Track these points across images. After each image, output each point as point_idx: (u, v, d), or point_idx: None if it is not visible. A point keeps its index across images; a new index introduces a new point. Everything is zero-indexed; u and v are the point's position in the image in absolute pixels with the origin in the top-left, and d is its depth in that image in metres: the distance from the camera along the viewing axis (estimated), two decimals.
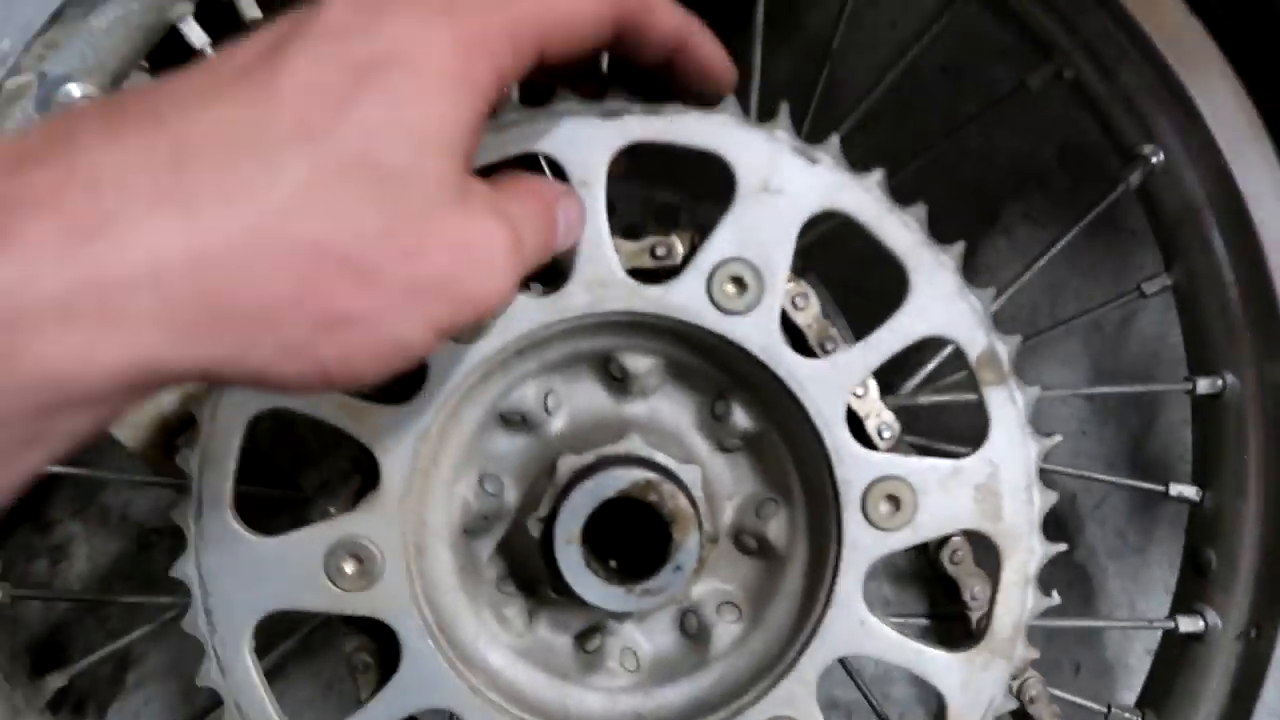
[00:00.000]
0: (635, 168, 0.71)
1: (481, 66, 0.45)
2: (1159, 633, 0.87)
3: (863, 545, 0.64)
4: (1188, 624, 0.83)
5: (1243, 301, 0.80)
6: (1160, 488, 0.86)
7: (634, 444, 0.65)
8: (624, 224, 0.71)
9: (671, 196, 1.04)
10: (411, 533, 0.65)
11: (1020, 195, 1.57)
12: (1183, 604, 0.87)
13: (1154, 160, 0.81)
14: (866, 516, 0.64)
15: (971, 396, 0.67)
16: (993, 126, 1.57)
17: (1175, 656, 0.86)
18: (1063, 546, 0.66)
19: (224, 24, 0.71)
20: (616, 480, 0.63)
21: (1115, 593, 1.27)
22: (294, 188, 0.40)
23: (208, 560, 0.63)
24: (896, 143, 0.83)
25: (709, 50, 0.58)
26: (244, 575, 0.62)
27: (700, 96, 0.61)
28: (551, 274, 0.62)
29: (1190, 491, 0.85)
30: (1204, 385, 0.82)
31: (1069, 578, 1.33)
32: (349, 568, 0.63)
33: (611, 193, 1.04)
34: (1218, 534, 0.84)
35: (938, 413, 1.35)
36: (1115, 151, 0.86)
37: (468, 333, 0.62)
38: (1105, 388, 0.91)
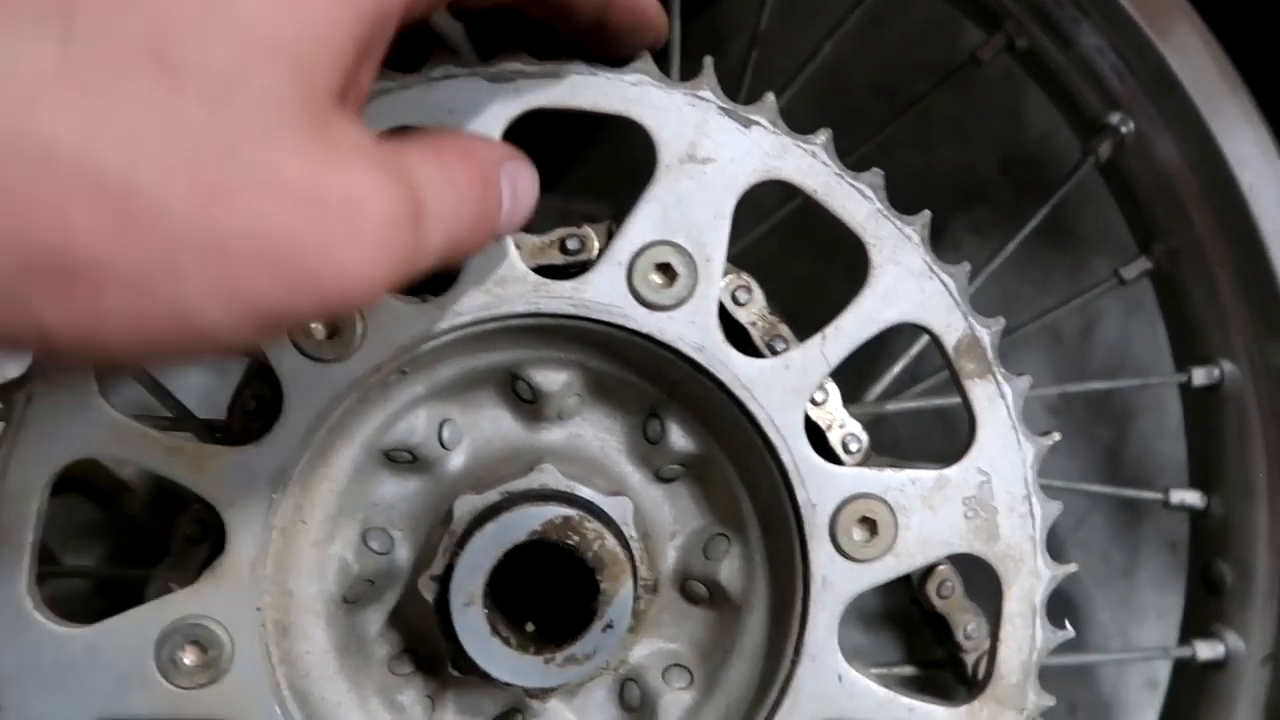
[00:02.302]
0: (551, 177, 0.61)
1: None
2: (1161, 663, 0.77)
3: (836, 581, 0.52)
4: (1206, 650, 0.73)
5: (1234, 279, 0.72)
6: (1159, 496, 0.76)
7: (548, 475, 0.53)
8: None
9: (595, 207, 0.93)
10: (271, 608, 0.51)
11: (965, 209, 1.51)
12: (1196, 627, 0.76)
13: (1123, 130, 0.73)
14: (838, 546, 0.52)
15: (952, 400, 0.57)
16: (929, 144, 1.51)
17: (1194, 687, 0.76)
18: (1073, 567, 0.55)
19: None
20: (526, 520, 0.50)
21: (1105, 622, 1.16)
22: (36, 72, 0.28)
23: (2, 663, 0.48)
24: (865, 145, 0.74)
25: (646, 7, 0.50)
26: (50, 679, 0.48)
27: (635, 49, 0.51)
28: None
29: (1193, 497, 0.75)
30: (1200, 376, 0.73)
31: (1054, 609, 1.23)
32: (189, 658, 0.49)
33: None
34: (1228, 544, 0.74)
35: (895, 438, 1.25)
36: (1076, 126, 0.78)
37: (331, 345, 0.50)
38: (1091, 384, 0.81)
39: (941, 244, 1.65)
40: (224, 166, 0.30)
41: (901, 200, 0.54)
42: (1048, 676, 0.53)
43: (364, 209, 0.34)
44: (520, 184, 0.45)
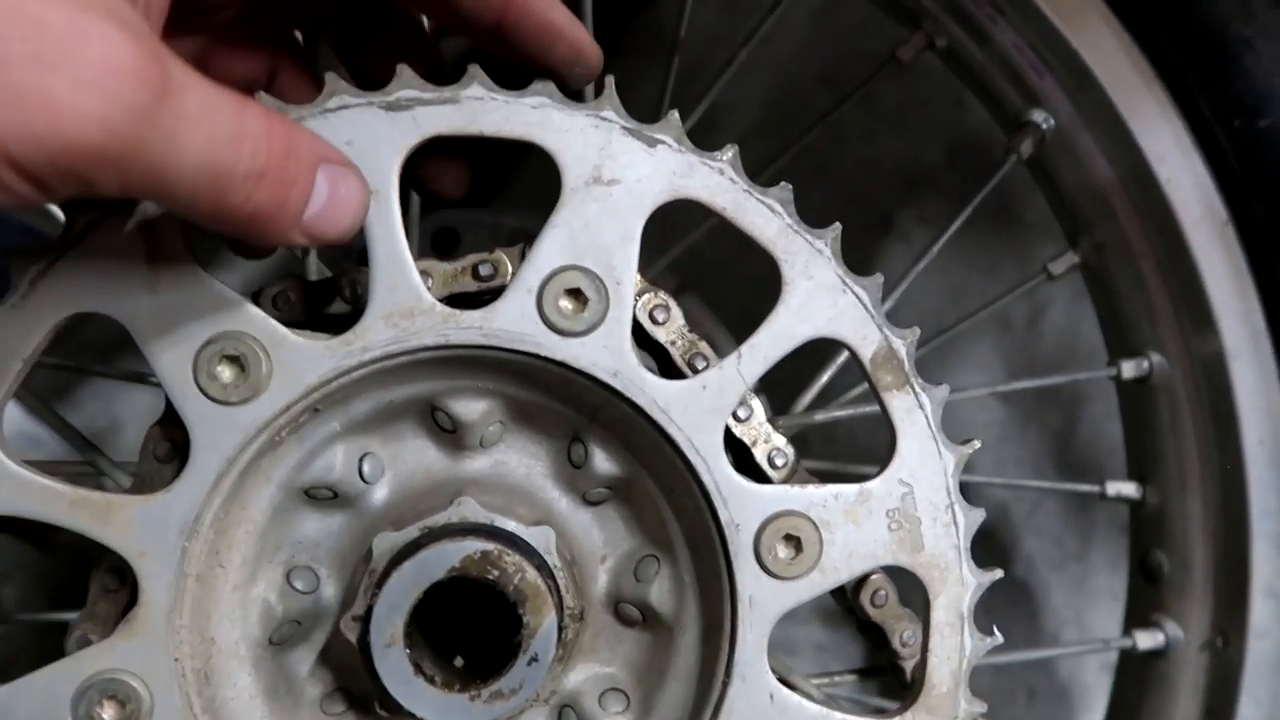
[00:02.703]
0: (481, 191, 0.60)
1: None
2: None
3: (762, 600, 0.52)
4: (1146, 639, 0.74)
5: (1159, 271, 0.72)
6: (1095, 488, 0.77)
7: (467, 508, 0.52)
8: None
9: (528, 221, 0.92)
10: (191, 657, 0.50)
11: (911, 199, 1.51)
12: (1137, 616, 0.77)
13: (1044, 126, 0.73)
14: (763, 564, 0.52)
15: (875, 409, 0.57)
16: (875, 135, 1.52)
17: (1138, 676, 0.77)
18: (998, 573, 0.55)
19: None
20: (445, 557, 0.50)
21: (1060, 606, 1.18)
22: None
23: None
24: (780, 158, 0.74)
25: (549, 11, 0.50)
26: None
27: (567, 84, 0.52)
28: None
29: (1129, 489, 0.76)
30: (1129, 369, 0.74)
31: (1010, 596, 1.24)
32: (107, 714, 0.48)
33: (455, 221, 0.92)
34: (1165, 534, 0.75)
35: (846, 431, 1.25)
36: (1000, 122, 0.78)
37: (237, 388, 0.49)
38: (1021, 383, 0.82)
39: (890, 235, 1.65)
40: None
41: (850, 191, 0.53)
42: (1003, 669, 0.53)
43: (92, 49, 0.33)
44: (344, 189, 0.44)
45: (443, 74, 0.52)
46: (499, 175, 1.27)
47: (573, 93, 0.53)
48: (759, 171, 0.56)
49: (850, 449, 1.26)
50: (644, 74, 0.62)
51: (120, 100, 0.33)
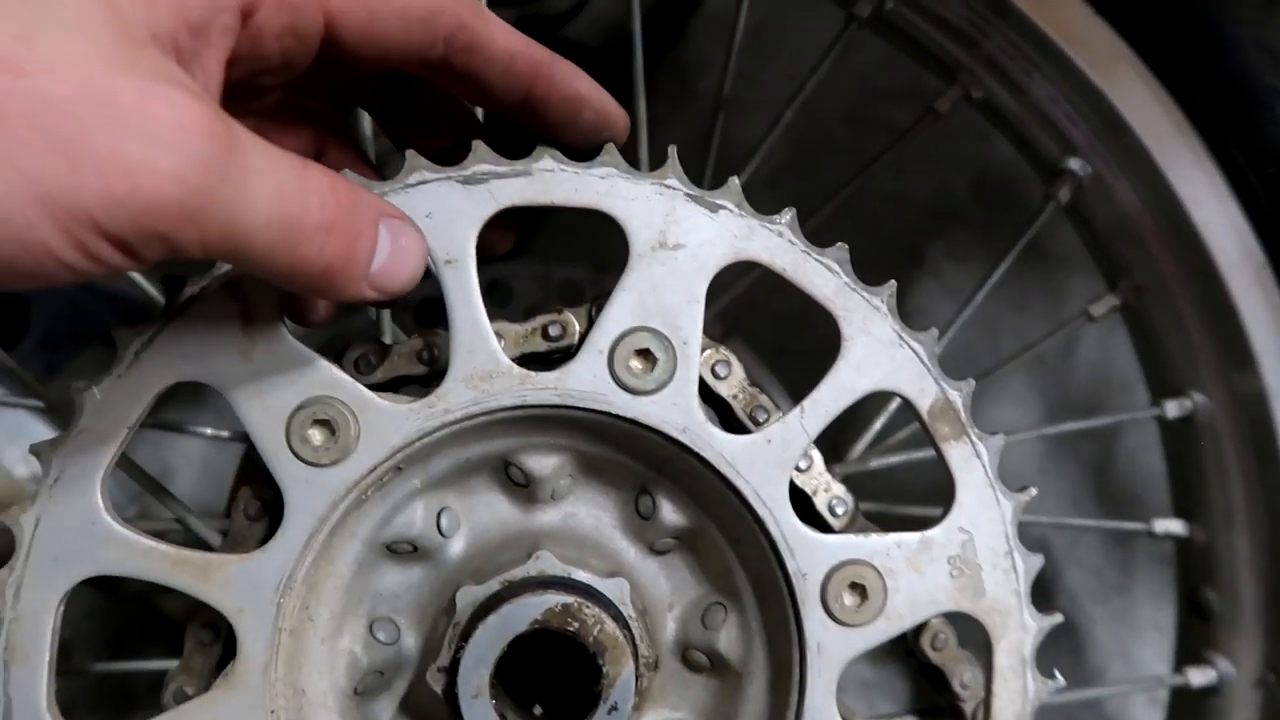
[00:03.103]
0: (522, 241, 0.63)
1: None
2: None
3: (830, 647, 0.54)
4: (1199, 677, 0.74)
5: (1197, 312, 0.74)
6: (1142, 526, 0.78)
7: (545, 562, 0.54)
8: (524, 307, 0.62)
9: (575, 272, 0.95)
10: (285, 709, 0.53)
11: (939, 234, 1.53)
12: (1188, 653, 0.78)
13: (1081, 174, 0.75)
14: (830, 612, 0.54)
15: (930, 453, 0.59)
16: (901, 168, 1.54)
17: (1191, 713, 0.77)
18: (1058, 618, 0.57)
19: None
20: (527, 611, 0.52)
21: (1104, 639, 1.18)
22: None
23: None
24: (806, 198, 0.76)
25: (575, 82, 0.53)
26: None
27: (594, 149, 0.53)
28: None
29: (1176, 526, 0.77)
30: (1173, 408, 0.75)
31: (1054, 630, 1.24)
32: None
33: (505, 273, 0.95)
34: (1214, 571, 0.76)
35: (892, 471, 1.27)
36: (1037, 170, 0.80)
37: (328, 450, 0.51)
38: (1067, 425, 0.83)
39: (919, 269, 1.67)
40: (16, 45, 0.33)
41: (877, 226, 0.55)
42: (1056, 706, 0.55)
43: (161, 112, 0.35)
44: (403, 240, 0.46)
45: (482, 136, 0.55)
46: (531, 226, 1.30)
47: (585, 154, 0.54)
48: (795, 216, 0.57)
49: (890, 488, 1.28)
50: (667, 117, 0.64)
51: (192, 156, 0.36)
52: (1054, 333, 0.82)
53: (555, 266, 0.94)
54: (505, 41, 0.49)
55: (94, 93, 0.34)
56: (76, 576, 0.50)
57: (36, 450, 0.51)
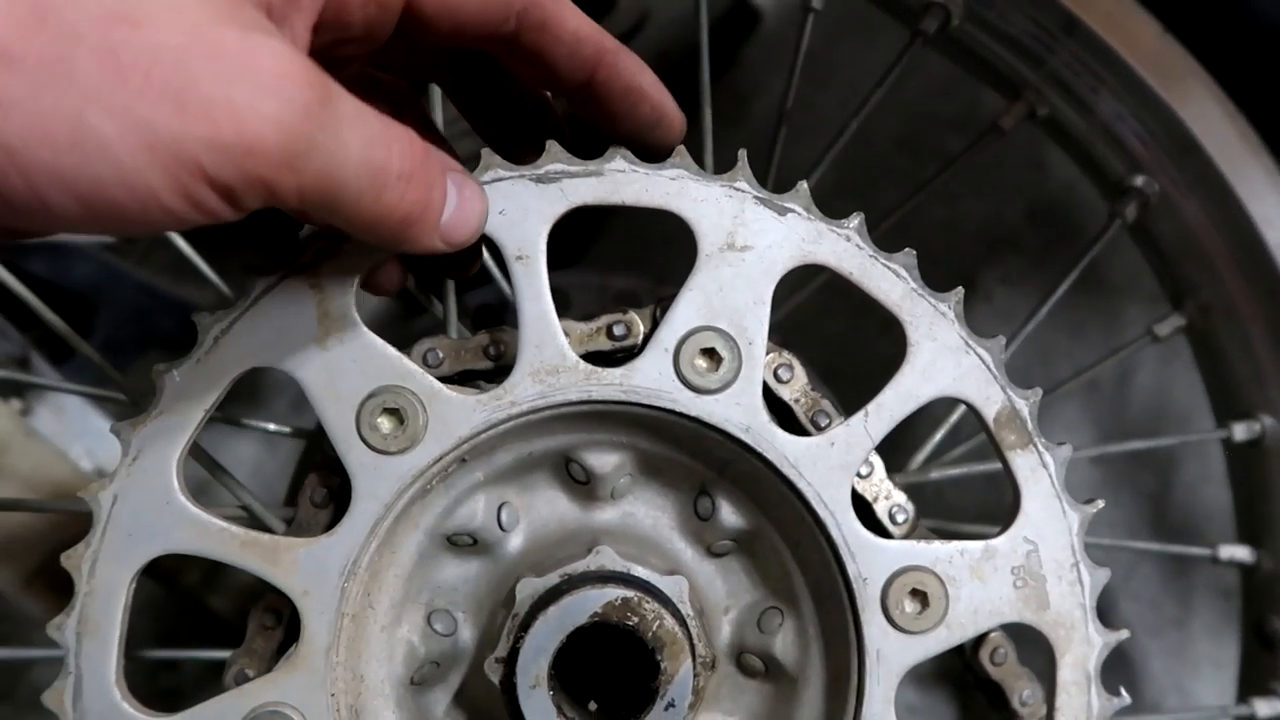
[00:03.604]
0: (570, 252, 0.63)
1: None
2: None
3: (890, 654, 0.54)
4: (1265, 708, 0.72)
5: (1268, 333, 0.73)
6: (1207, 552, 0.77)
7: (605, 557, 0.54)
8: (581, 315, 0.62)
9: (631, 282, 0.96)
10: (345, 693, 0.53)
11: (993, 260, 1.52)
12: (1254, 683, 0.76)
13: (1148, 192, 0.75)
14: (890, 618, 0.53)
15: (993, 466, 0.58)
16: (955, 195, 1.54)
17: None
18: (1124, 634, 0.55)
19: None
20: (587, 603, 0.52)
21: (1159, 673, 1.15)
22: None
23: None
24: (883, 223, 0.76)
25: (638, 75, 0.53)
26: None
27: (646, 146, 0.54)
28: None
29: (1242, 553, 0.76)
30: (1240, 431, 0.74)
31: (1108, 661, 1.21)
32: None
33: (564, 282, 0.97)
34: None
35: (942, 492, 1.25)
36: (1101, 188, 0.80)
37: (396, 439, 0.52)
38: (1131, 443, 0.82)
39: (973, 295, 1.66)
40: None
41: (931, 252, 0.55)
42: None
43: (264, 62, 0.36)
44: (467, 193, 0.47)
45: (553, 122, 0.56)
46: (585, 238, 1.31)
47: (652, 156, 0.55)
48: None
49: (937, 507, 1.26)
50: (722, 139, 0.65)
51: (293, 102, 0.37)
52: (1117, 352, 0.81)
53: (612, 277, 0.95)
54: (575, 24, 0.51)
55: (203, 41, 0.36)
56: (150, 554, 0.51)
57: (117, 430, 0.52)
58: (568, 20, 0.50)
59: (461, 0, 0.47)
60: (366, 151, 0.41)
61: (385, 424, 0.52)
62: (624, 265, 1.25)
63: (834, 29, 1.56)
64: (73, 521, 0.82)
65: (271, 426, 0.79)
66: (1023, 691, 0.61)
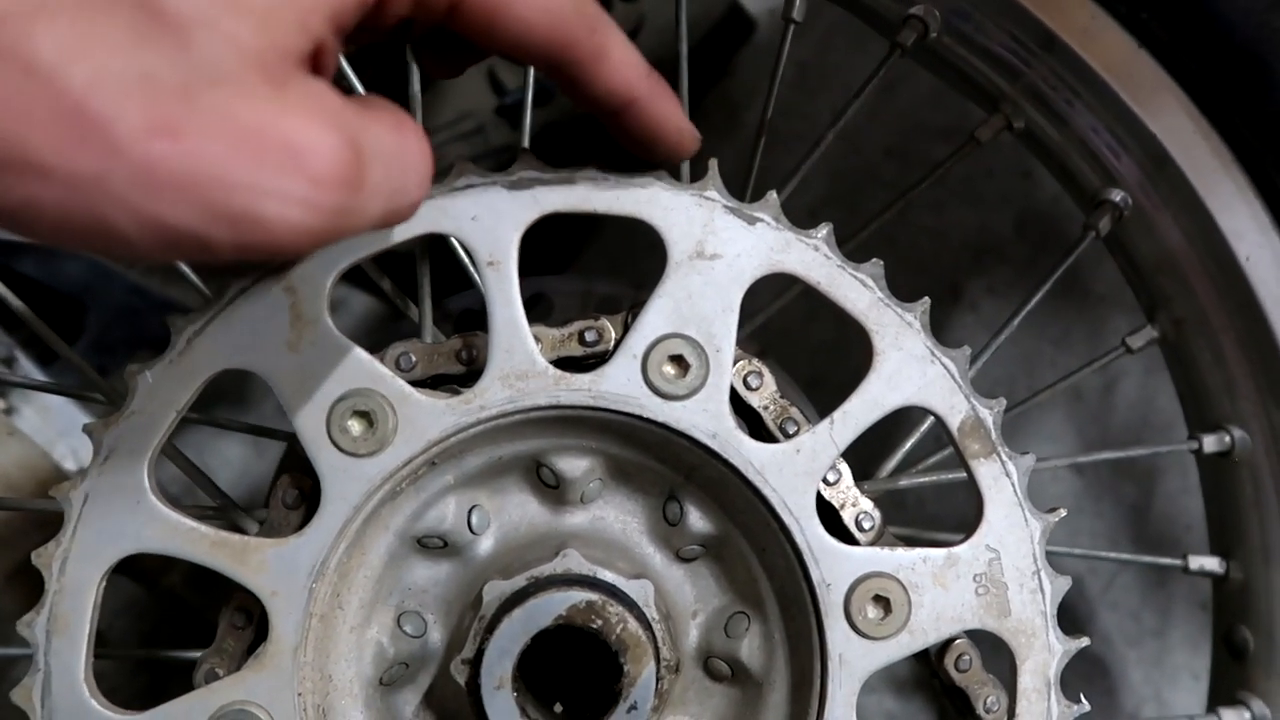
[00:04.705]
0: (559, 258, 0.64)
1: None
2: None
3: (852, 659, 0.54)
4: (1234, 717, 0.73)
5: (1239, 346, 0.73)
6: (1178, 562, 0.77)
7: (572, 560, 0.55)
8: (562, 321, 0.63)
9: (614, 288, 0.96)
10: (312, 693, 0.54)
11: (980, 269, 1.53)
12: (1223, 694, 0.76)
13: (1121, 205, 0.75)
14: (853, 624, 0.54)
15: (959, 475, 0.59)
16: (943, 204, 1.55)
17: None
18: (1085, 641, 0.56)
19: None
20: (551, 606, 0.53)
21: (1138, 683, 1.15)
22: None
23: None
24: (847, 229, 0.77)
25: (665, 121, 0.52)
26: None
27: (649, 157, 0.54)
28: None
29: (1212, 563, 0.76)
30: (1210, 443, 0.74)
31: (1085, 670, 1.22)
32: None
33: (548, 288, 0.97)
34: (1250, 609, 0.74)
35: (915, 498, 1.26)
36: (1077, 201, 0.81)
37: (366, 441, 0.53)
38: (1102, 454, 0.83)
39: (959, 305, 1.67)
40: (175, 104, 0.34)
41: (917, 261, 0.56)
42: None
43: (303, 161, 0.36)
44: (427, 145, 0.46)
45: None
46: (575, 244, 1.32)
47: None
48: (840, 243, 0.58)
49: (919, 516, 1.27)
50: (715, 149, 0.66)
51: (323, 210, 0.37)
52: (1091, 364, 0.81)
53: (596, 283, 0.96)
54: (610, 82, 0.49)
55: (245, 143, 0.35)
56: (120, 552, 0.52)
57: (89, 429, 0.53)
58: (602, 79, 0.49)
59: (503, 34, 0.46)
60: (388, 206, 0.41)
61: (355, 426, 0.53)
62: (612, 271, 1.25)
63: (827, 37, 1.57)
64: (54, 520, 0.82)
65: (257, 424, 0.80)
66: (987, 698, 0.62)
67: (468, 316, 0.92)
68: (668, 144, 0.53)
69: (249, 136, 0.35)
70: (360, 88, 0.62)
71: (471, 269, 0.75)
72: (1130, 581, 1.19)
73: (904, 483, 0.69)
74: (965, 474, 0.57)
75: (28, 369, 1.04)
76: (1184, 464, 1.36)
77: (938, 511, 1.34)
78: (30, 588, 0.85)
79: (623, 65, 0.50)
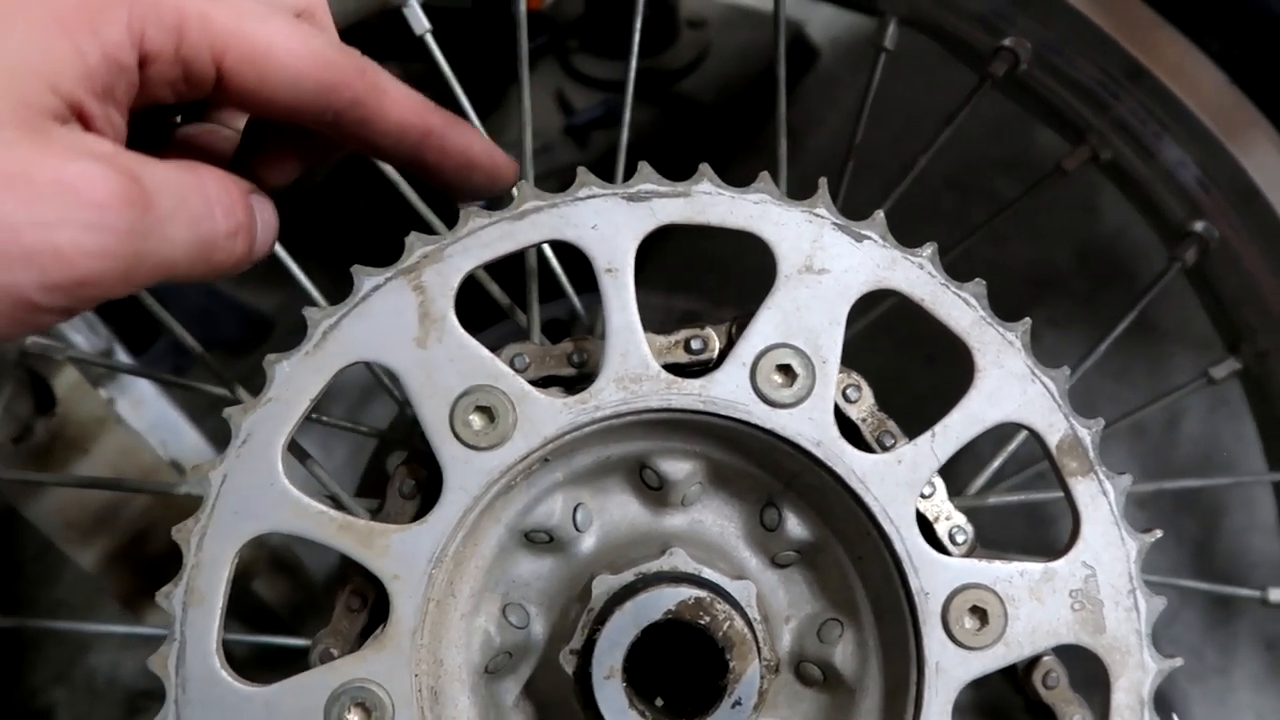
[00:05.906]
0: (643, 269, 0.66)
1: (113, 18, 0.41)
2: None
3: (949, 668, 0.55)
4: None
5: None
6: (1256, 594, 0.77)
7: (679, 559, 0.57)
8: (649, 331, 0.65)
9: (695, 304, 0.99)
10: (426, 675, 0.56)
11: (1041, 302, 1.54)
12: None
13: (1208, 237, 0.77)
14: (950, 633, 0.55)
15: (1047, 495, 0.60)
16: (1004, 237, 1.56)
17: None
18: (1178, 661, 0.57)
19: None
20: (661, 601, 0.55)
21: None
22: None
23: (189, 716, 0.54)
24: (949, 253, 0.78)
25: (468, 148, 0.52)
26: None
27: (474, 190, 0.54)
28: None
29: None
30: None
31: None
32: (353, 718, 0.54)
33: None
34: None
35: (978, 525, 1.26)
36: (1160, 233, 0.82)
37: (487, 435, 0.55)
38: (1187, 481, 0.83)
39: None
40: None
41: None
42: None
43: (79, 192, 0.38)
44: (265, 215, 0.49)
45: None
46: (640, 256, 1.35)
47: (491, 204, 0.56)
48: None
49: (979, 540, 1.27)
50: (776, 172, 0.68)
51: (116, 230, 0.39)
52: (1171, 393, 0.82)
53: (676, 298, 0.98)
54: (398, 115, 0.49)
55: (13, 185, 0.37)
56: (253, 531, 0.55)
57: (228, 414, 0.56)
58: (389, 114, 0.49)
59: (273, 94, 0.46)
60: (194, 232, 0.43)
61: (477, 421, 0.55)
62: (678, 287, 1.27)
63: (889, 67, 1.60)
64: (157, 506, 0.86)
65: (350, 425, 0.83)
66: (1073, 716, 0.63)
67: (554, 326, 0.95)
68: (483, 167, 0.53)
69: (15, 180, 0.37)
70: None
71: (564, 279, 0.78)
72: (1192, 619, 1.18)
73: (993, 500, 0.70)
74: (1057, 494, 0.58)
75: (123, 360, 1.09)
76: (1248, 501, 1.35)
77: (994, 536, 1.34)
78: (128, 571, 0.89)
79: (405, 98, 0.50)
